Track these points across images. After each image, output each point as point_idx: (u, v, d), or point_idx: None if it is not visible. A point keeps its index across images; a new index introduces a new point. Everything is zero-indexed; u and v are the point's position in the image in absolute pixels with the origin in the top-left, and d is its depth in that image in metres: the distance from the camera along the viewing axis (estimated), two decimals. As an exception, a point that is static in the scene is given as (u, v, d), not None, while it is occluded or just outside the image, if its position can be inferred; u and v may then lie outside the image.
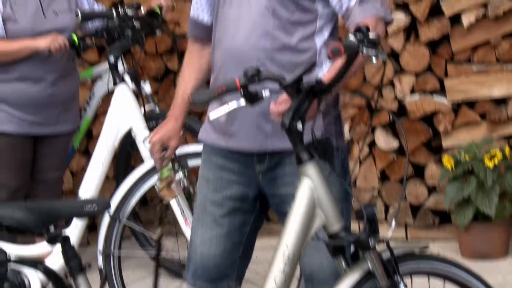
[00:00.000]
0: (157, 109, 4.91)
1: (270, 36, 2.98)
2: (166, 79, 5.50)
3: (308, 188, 2.90)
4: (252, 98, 2.82)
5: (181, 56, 4.88)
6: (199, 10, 3.19)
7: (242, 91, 2.79)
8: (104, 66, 4.84)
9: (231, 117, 3.02)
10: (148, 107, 4.88)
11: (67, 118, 4.48)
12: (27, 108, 4.39)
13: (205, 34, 3.16)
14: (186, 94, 3.18)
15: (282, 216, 2.97)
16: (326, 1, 2.97)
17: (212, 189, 3.07)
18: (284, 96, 2.88)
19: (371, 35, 2.79)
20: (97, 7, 4.65)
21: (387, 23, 2.97)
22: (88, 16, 4.39)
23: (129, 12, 4.45)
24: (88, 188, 4.31)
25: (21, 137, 4.39)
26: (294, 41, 2.98)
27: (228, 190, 3.05)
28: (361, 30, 2.80)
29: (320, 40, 3.00)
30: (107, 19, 4.46)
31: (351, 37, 2.80)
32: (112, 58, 4.43)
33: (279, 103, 2.86)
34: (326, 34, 2.98)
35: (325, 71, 2.95)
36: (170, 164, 3.57)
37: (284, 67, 2.96)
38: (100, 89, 4.92)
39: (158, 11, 4.76)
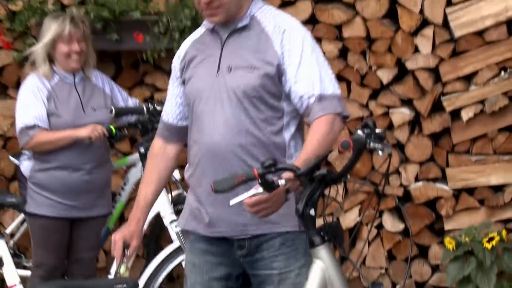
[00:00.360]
0: (184, 193, 4.91)
1: (244, 133, 3.06)
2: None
3: (320, 270, 3.02)
4: (269, 186, 2.93)
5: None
6: (169, 115, 3.26)
7: (260, 180, 2.90)
8: (136, 156, 4.96)
9: (212, 207, 3.09)
10: (176, 191, 5.00)
11: (101, 203, 4.60)
12: (66, 194, 4.51)
13: (172, 135, 3.26)
14: (147, 197, 3.24)
15: None
16: (289, 100, 3.09)
17: (199, 273, 3.12)
18: (258, 195, 2.96)
19: (378, 130, 2.98)
20: (132, 101, 4.81)
21: (345, 117, 3.10)
22: (121, 112, 4.55)
23: (158, 107, 4.52)
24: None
25: (60, 220, 4.50)
26: (265, 136, 3.07)
27: (214, 272, 3.12)
28: (368, 126, 3.00)
29: (288, 134, 3.11)
30: (138, 113, 4.63)
31: (359, 132, 3.01)
32: (142, 149, 4.59)
33: (253, 200, 2.93)
34: (293, 129, 3.10)
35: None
36: (131, 262, 3.56)
37: (258, 160, 3.01)
38: (133, 176, 4.99)
39: None
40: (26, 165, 4.66)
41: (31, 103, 4.50)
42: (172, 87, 3.25)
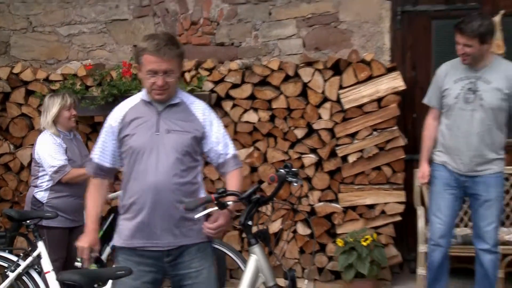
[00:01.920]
0: None
1: (178, 176, 3.24)
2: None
3: (255, 261, 3.45)
4: (222, 206, 3.28)
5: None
6: (101, 158, 3.33)
7: (215, 201, 3.27)
8: None
9: (156, 227, 3.22)
10: None
11: None
12: (71, 212, 4.72)
13: (106, 174, 3.38)
14: (98, 215, 3.37)
15: (182, 287, 3.28)
16: (201, 156, 3.36)
17: (133, 278, 3.14)
18: (220, 218, 3.25)
19: (294, 169, 3.50)
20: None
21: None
22: None
23: None
24: None
25: (65, 229, 4.70)
26: (190, 178, 3.29)
27: (144, 277, 3.24)
28: (287, 166, 3.52)
29: (200, 178, 3.35)
30: None
31: (281, 170, 3.49)
32: None
33: (214, 223, 3.23)
34: (200, 175, 3.36)
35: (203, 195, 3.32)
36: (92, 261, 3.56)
37: (185, 194, 3.25)
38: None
39: None
40: (42, 194, 4.72)
41: (56, 151, 4.67)
42: (106, 141, 3.31)
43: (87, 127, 5.86)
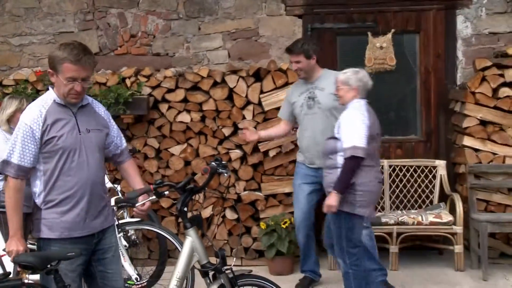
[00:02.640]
0: (121, 197, 5.10)
1: (102, 169, 3.37)
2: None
3: (190, 242, 3.56)
4: (159, 195, 3.52)
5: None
6: (22, 159, 3.16)
7: (153, 191, 3.50)
8: None
9: (87, 215, 3.25)
10: (115, 197, 5.06)
11: None
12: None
13: (26, 175, 3.23)
14: (21, 223, 3.20)
15: (104, 259, 3.33)
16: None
17: (69, 263, 3.19)
18: (147, 203, 3.46)
19: (223, 162, 3.67)
20: None
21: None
22: None
23: None
24: None
25: None
26: (103, 173, 3.43)
27: (78, 261, 3.25)
28: (218, 160, 3.66)
29: (105, 171, 3.58)
30: None
31: (213, 163, 3.61)
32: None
33: (145, 207, 3.47)
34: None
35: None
36: None
37: (103, 187, 3.37)
38: None
39: None
40: None
41: (2, 148, 4.54)
42: (26, 143, 3.15)
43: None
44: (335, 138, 4.37)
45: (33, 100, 3.40)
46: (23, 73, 6.16)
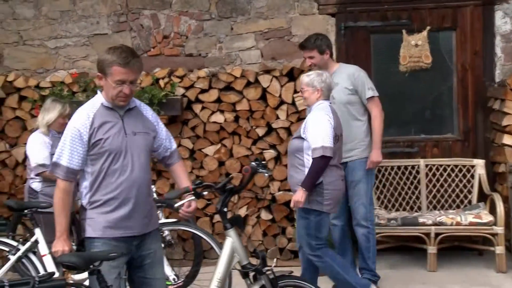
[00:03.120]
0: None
1: (148, 172, 3.37)
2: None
3: (230, 243, 3.59)
4: (198, 196, 3.47)
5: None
6: (71, 162, 3.20)
7: (192, 191, 3.45)
8: None
9: (130, 217, 3.24)
10: None
11: None
12: None
13: (75, 177, 3.26)
14: (68, 224, 3.23)
15: (142, 266, 3.33)
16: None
17: (111, 261, 3.14)
18: (193, 203, 3.41)
19: (264, 162, 3.72)
20: None
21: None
22: None
23: None
24: None
25: None
26: (150, 175, 3.42)
27: (120, 260, 3.24)
28: (258, 160, 3.72)
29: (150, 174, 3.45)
30: None
31: (253, 163, 3.65)
32: None
33: (190, 208, 3.43)
34: None
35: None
36: None
37: (150, 188, 3.40)
38: None
39: None
40: (36, 185, 4.80)
41: (40, 149, 4.75)
42: (74, 145, 3.18)
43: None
44: (301, 138, 4.45)
45: (79, 105, 3.44)
46: (59, 75, 6.19)
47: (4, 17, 6.41)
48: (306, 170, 4.38)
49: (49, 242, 4.37)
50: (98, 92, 3.38)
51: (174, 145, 3.55)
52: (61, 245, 3.23)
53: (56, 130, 4.89)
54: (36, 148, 4.82)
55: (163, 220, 4.87)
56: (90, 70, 6.30)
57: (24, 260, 4.53)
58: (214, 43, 6.32)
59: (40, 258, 4.53)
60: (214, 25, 6.35)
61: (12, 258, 4.50)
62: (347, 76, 5.01)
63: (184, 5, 6.39)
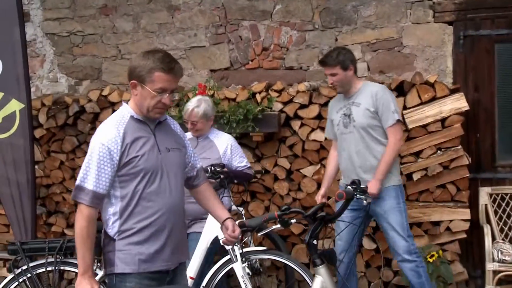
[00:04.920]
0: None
1: (184, 194, 3.00)
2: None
3: (320, 283, 3.12)
4: (286, 224, 3.10)
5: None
6: (97, 185, 2.78)
7: (278, 219, 3.09)
8: None
9: (165, 248, 2.89)
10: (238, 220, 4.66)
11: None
12: None
13: (100, 202, 2.84)
14: (93, 258, 2.81)
15: None
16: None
17: None
18: (234, 227, 3.00)
19: (362, 186, 3.21)
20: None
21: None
22: None
23: (218, 169, 4.30)
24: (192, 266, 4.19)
25: None
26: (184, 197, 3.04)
27: None
28: (355, 183, 3.24)
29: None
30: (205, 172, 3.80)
31: (349, 187, 3.19)
32: None
33: (236, 232, 3.01)
34: None
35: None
36: None
37: (185, 212, 3.04)
38: None
39: None
40: None
41: None
42: (103, 166, 2.77)
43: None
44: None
45: None
46: (153, 89, 5.84)
47: (104, 31, 6.24)
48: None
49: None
50: (124, 103, 2.99)
51: (199, 163, 3.20)
52: (88, 283, 2.78)
53: None
54: None
55: (252, 248, 4.41)
56: (186, 84, 5.95)
57: None
58: (316, 55, 5.77)
59: None
60: (317, 36, 5.82)
61: None
62: (370, 96, 4.51)
63: (285, 15, 5.90)
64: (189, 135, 4.53)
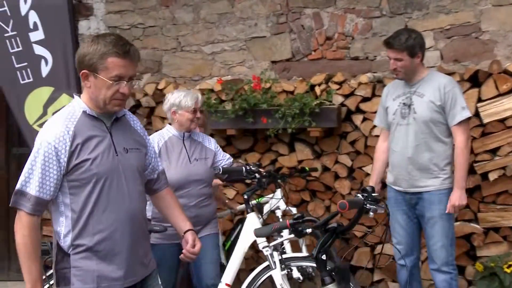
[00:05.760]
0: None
1: (144, 200, 2.72)
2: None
3: None
4: (300, 234, 2.68)
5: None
6: (42, 191, 2.48)
7: (291, 228, 2.69)
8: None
9: (128, 260, 2.61)
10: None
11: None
12: None
13: (43, 209, 2.53)
14: (42, 270, 2.56)
15: None
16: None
17: None
18: (195, 241, 2.70)
19: (375, 194, 2.65)
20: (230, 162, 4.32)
21: None
22: (226, 171, 4.09)
23: (253, 168, 4.19)
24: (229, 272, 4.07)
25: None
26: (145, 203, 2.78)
27: None
28: (366, 190, 2.67)
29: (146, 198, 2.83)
30: (239, 172, 4.12)
31: (359, 195, 2.66)
32: (246, 196, 4.19)
33: (196, 248, 2.73)
34: None
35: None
36: None
37: (145, 219, 2.75)
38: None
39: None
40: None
41: None
42: (47, 169, 2.47)
43: (222, 140, 5.45)
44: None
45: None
46: (210, 82, 5.64)
47: (164, 23, 6.06)
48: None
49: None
50: (75, 96, 2.64)
51: (161, 166, 2.85)
52: None
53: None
54: None
55: (290, 254, 4.07)
56: (246, 77, 5.66)
57: None
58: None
59: None
60: (384, 23, 5.35)
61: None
62: (437, 87, 4.09)
63: (350, 2, 5.48)
64: (166, 136, 4.11)
